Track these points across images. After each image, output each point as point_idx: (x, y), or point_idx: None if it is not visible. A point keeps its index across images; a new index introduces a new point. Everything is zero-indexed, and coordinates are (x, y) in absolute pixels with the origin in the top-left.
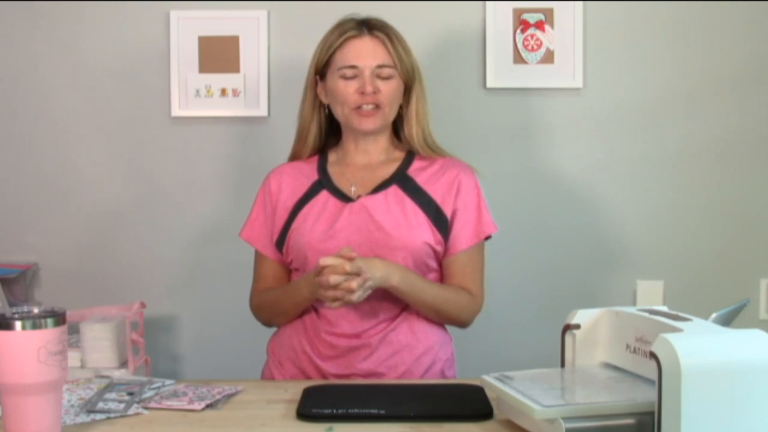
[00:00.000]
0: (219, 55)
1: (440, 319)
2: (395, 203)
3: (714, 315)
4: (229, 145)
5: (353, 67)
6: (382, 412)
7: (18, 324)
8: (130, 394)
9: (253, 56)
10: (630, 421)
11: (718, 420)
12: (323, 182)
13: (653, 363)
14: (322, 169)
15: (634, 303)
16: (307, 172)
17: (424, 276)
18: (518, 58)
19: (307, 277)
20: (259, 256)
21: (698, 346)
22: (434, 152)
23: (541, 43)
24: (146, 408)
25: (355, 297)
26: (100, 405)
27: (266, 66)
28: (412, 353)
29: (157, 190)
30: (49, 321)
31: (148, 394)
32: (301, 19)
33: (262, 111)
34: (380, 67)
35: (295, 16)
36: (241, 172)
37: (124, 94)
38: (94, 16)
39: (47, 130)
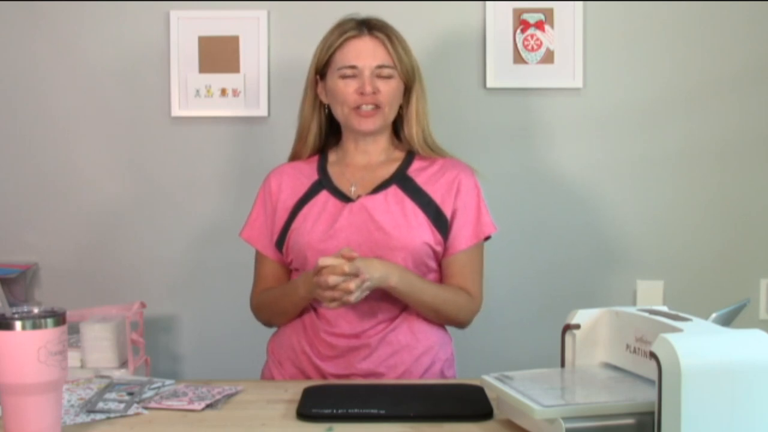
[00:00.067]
0: (219, 55)
1: (439, 319)
2: (395, 203)
3: (714, 315)
4: (229, 145)
5: (353, 67)
6: (382, 412)
7: (18, 324)
8: (130, 394)
9: (253, 56)
10: (630, 421)
11: (718, 420)
12: (323, 182)
13: (653, 363)
14: (322, 169)
15: (634, 303)
16: (307, 172)
17: (423, 276)
18: (518, 58)
19: (305, 276)
20: (259, 257)
21: (698, 346)
22: (434, 152)
23: (541, 43)
24: (146, 408)
25: (353, 298)
26: (100, 405)
27: (266, 66)
28: (412, 353)
29: (157, 190)
30: (49, 321)
31: (148, 394)
32: (301, 19)
33: (262, 111)
34: (380, 67)
35: (295, 16)
36: (241, 172)
37: (124, 94)
38: (94, 16)
39: (47, 130)
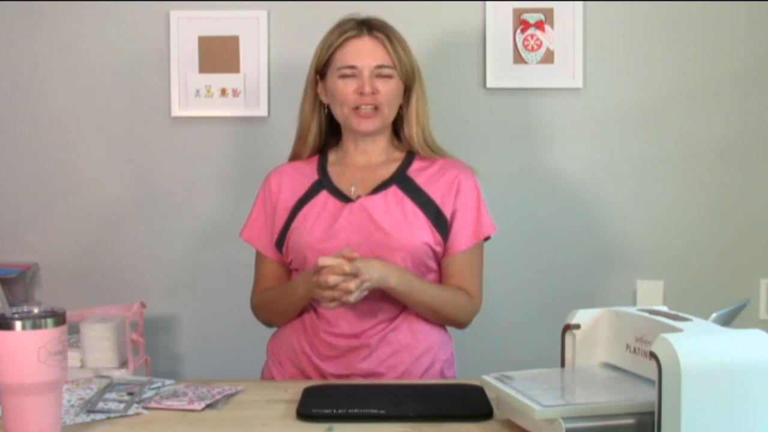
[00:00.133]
0: (219, 55)
1: (438, 319)
2: (395, 204)
3: (714, 315)
4: (229, 145)
5: (352, 67)
6: (382, 412)
7: (18, 324)
8: (130, 394)
9: (253, 56)
10: (630, 421)
11: (718, 420)
12: (323, 182)
13: (653, 363)
14: (322, 169)
15: (634, 303)
16: (307, 172)
17: (423, 276)
18: (518, 58)
19: (305, 276)
20: (259, 257)
21: (698, 346)
22: (434, 152)
23: (541, 43)
24: (146, 408)
25: (353, 298)
26: (100, 405)
27: (266, 66)
28: (412, 353)
29: (157, 190)
30: (49, 321)
31: (148, 394)
32: (301, 19)
33: (262, 111)
34: (379, 67)
35: (295, 16)
36: (241, 172)
37: (124, 94)
38: (94, 16)
39: (47, 130)
